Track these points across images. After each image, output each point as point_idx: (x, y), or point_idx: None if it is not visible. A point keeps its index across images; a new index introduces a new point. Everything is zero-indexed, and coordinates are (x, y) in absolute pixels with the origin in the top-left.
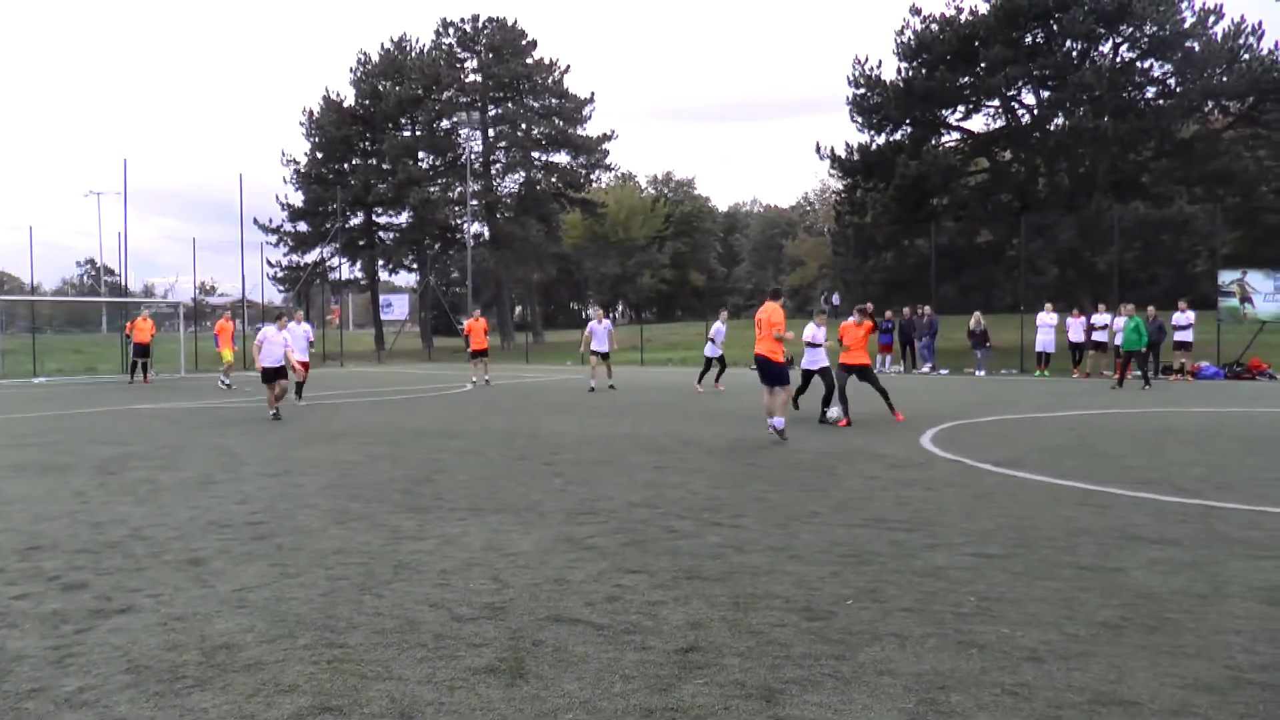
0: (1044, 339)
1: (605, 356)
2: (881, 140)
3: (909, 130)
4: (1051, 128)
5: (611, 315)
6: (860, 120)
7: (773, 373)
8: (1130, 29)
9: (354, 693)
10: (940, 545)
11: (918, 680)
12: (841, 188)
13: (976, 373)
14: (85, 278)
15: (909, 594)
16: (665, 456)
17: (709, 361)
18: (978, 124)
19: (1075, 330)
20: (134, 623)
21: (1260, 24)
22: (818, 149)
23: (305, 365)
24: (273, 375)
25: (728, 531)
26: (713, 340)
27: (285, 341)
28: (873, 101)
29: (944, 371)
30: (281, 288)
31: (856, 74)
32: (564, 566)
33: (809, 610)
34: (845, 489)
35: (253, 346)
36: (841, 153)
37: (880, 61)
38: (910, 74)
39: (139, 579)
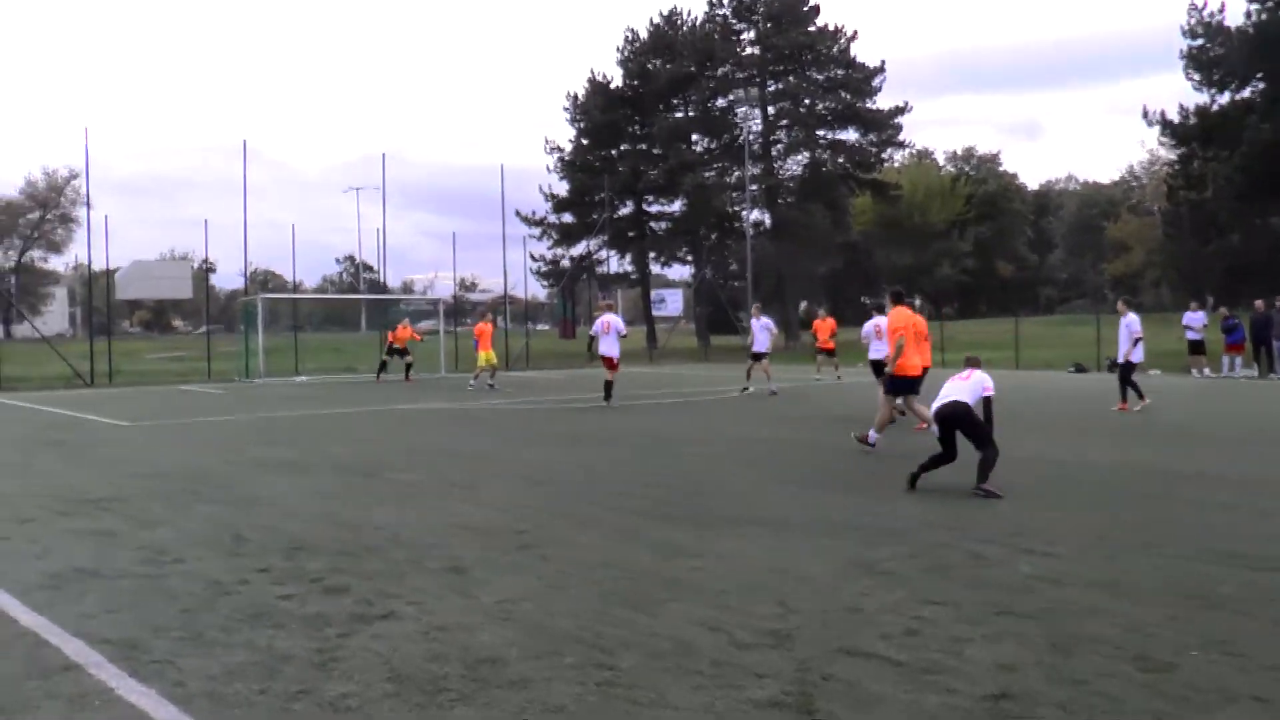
0: None
1: (760, 357)
2: (1225, 100)
3: (1260, 86)
4: None
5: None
6: (1198, 77)
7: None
8: None
9: (625, 718)
10: None
11: None
12: (1175, 158)
13: None
14: (345, 275)
15: (1272, 648)
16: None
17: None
18: None
19: None
20: (395, 630)
21: None
22: (1145, 114)
23: (609, 362)
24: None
25: (1042, 561)
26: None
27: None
28: (1214, 54)
29: None
30: (545, 283)
31: (1193, 22)
32: (857, 593)
33: (1142, 659)
34: (1186, 516)
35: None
36: (1174, 117)
37: (1223, 4)
38: (1263, 17)
39: (399, 585)
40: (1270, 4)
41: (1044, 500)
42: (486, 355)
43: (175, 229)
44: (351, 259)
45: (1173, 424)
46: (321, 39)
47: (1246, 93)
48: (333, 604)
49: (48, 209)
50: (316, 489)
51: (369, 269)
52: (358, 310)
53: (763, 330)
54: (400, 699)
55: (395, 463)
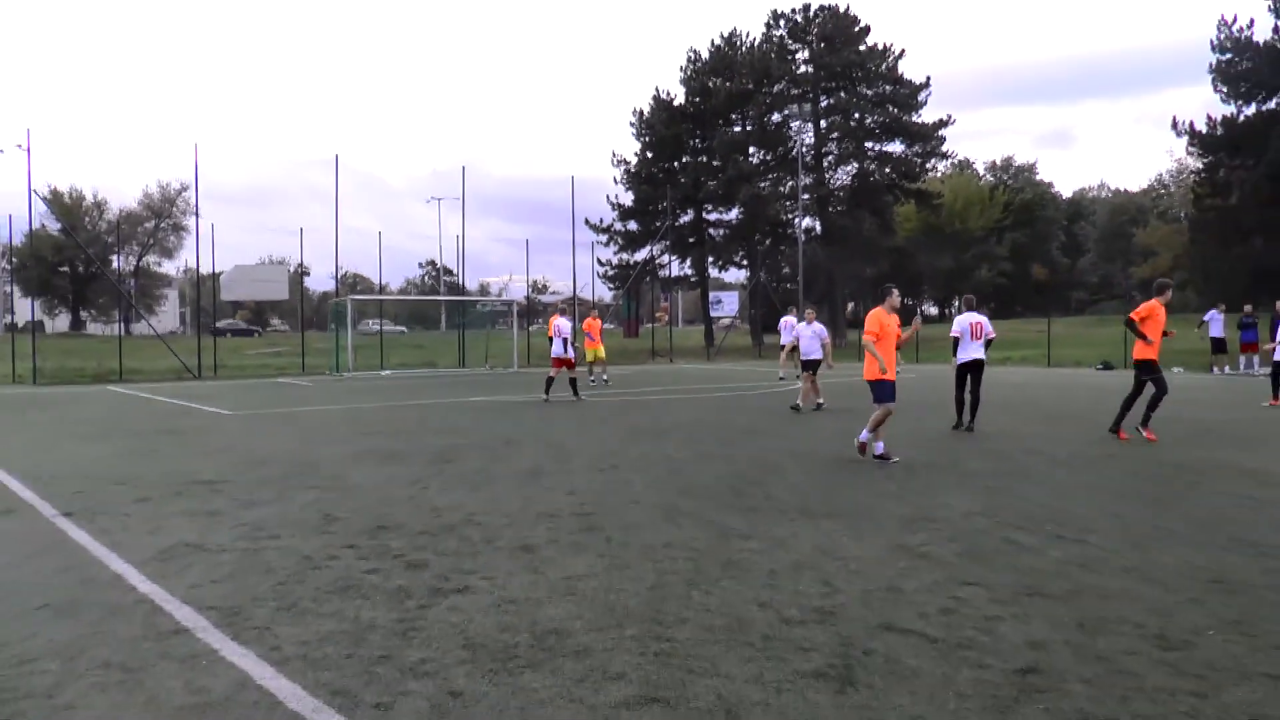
0: None
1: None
2: (1251, 111)
3: None
4: None
5: (944, 310)
6: (1226, 89)
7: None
8: None
9: (680, 686)
10: None
11: None
12: (1202, 167)
13: None
14: (426, 278)
15: None
16: (1006, 463)
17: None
18: None
19: None
20: (470, 603)
21: None
22: (1174, 125)
23: (567, 362)
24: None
25: (1073, 547)
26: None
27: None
28: (1242, 68)
29: None
30: (611, 286)
31: (1223, 37)
32: (897, 575)
33: (1163, 639)
34: (1208, 506)
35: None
36: (1203, 127)
37: (1252, 20)
38: None
39: (474, 562)
40: None
41: (1077, 491)
42: (595, 350)
43: (273, 236)
44: (433, 263)
45: (1196, 420)
46: (406, 62)
47: (1272, 104)
48: (413, 578)
49: (161, 218)
50: (400, 474)
51: (449, 273)
52: (438, 310)
53: (813, 337)
54: (473, 665)
55: (472, 451)
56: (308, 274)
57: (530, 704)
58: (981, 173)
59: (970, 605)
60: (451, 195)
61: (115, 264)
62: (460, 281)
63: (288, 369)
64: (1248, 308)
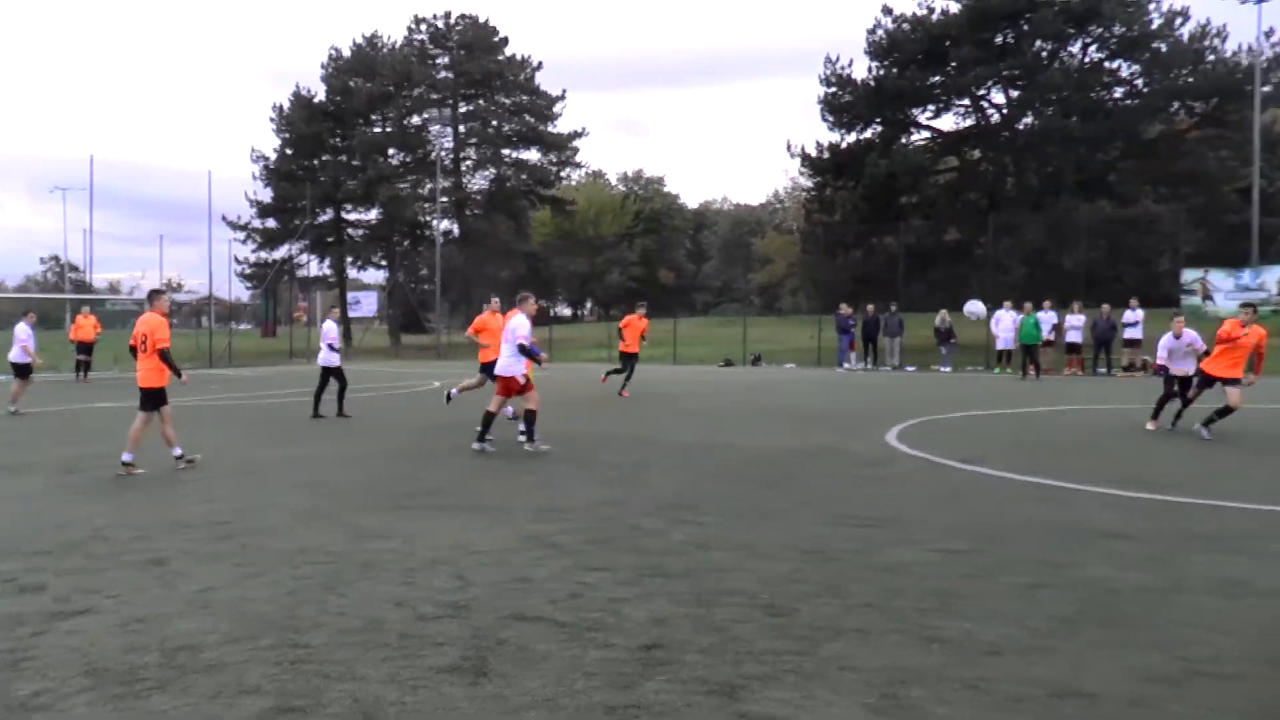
0: (1004, 336)
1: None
2: (851, 139)
3: (879, 129)
4: (1021, 127)
5: (577, 312)
6: (831, 119)
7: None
8: (1099, 29)
9: (316, 693)
10: (904, 542)
11: (879, 674)
12: (811, 186)
13: (941, 369)
14: (49, 274)
15: (872, 590)
16: (631, 454)
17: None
18: (947, 123)
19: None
20: (93, 624)
21: (1225, 26)
22: (788, 147)
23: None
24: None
25: (692, 529)
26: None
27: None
28: (844, 100)
29: (911, 368)
30: (249, 284)
31: (828, 73)
32: (527, 564)
33: (771, 606)
34: (810, 486)
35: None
36: (812, 151)
37: (852, 60)
38: (881, 73)
39: (99, 580)
40: (887, 63)
41: (699, 477)
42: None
43: None
44: (56, 259)
45: (800, 407)
46: (30, 41)
47: (868, 134)
48: (28, 603)
49: None
50: (19, 489)
51: (75, 269)
52: (63, 309)
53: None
54: (96, 692)
55: (100, 460)
56: None
57: None
58: (614, 183)
59: (597, 589)
60: (78, 186)
61: None
62: (87, 278)
63: None
64: (844, 307)
